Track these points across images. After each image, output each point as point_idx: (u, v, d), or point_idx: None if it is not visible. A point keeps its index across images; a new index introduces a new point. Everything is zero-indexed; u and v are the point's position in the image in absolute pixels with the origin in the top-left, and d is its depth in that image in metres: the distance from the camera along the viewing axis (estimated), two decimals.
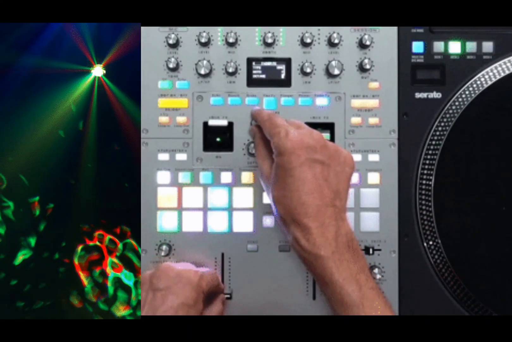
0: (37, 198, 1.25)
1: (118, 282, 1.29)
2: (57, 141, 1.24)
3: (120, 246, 1.28)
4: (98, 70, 1.25)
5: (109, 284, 1.28)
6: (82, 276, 1.28)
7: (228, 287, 0.70)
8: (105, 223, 1.29)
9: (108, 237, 1.29)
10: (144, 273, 0.66)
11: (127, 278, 1.29)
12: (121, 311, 1.27)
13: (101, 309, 1.28)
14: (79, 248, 1.29)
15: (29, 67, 1.18)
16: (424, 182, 0.70)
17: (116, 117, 1.24)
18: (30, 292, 1.24)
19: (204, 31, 0.70)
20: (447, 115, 0.70)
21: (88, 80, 1.24)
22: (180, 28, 0.70)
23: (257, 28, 0.70)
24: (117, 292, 1.28)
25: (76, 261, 1.28)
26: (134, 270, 1.28)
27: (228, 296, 0.69)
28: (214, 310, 0.66)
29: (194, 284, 0.62)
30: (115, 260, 1.29)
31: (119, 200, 1.25)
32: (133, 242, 1.28)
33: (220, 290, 0.68)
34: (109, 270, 1.29)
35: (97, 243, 1.29)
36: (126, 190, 1.24)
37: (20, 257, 1.24)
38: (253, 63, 0.71)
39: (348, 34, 0.70)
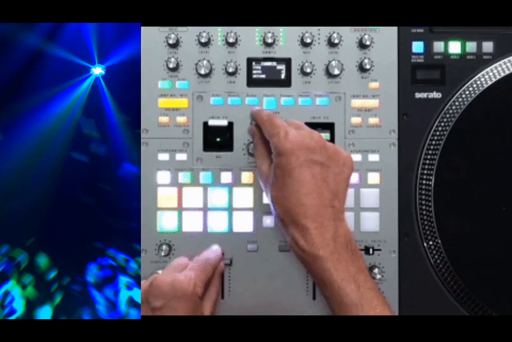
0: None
1: (130, 301, 1.25)
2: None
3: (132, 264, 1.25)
4: (98, 70, 1.25)
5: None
6: (96, 294, 1.24)
7: (228, 287, 0.70)
8: (118, 242, 1.25)
9: (121, 255, 1.25)
10: (142, 286, 0.63)
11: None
12: None
13: None
14: (92, 266, 1.25)
15: (32, 48, 1.16)
16: (424, 182, 0.70)
17: (113, 116, 1.24)
18: None
19: (204, 31, 0.70)
20: (447, 115, 0.70)
21: (87, 80, 1.23)
22: (180, 28, 0.70)
23: (257, 28, 0.70)
24: (128, 310, 1.25)
25: (88, 280, 1.23)
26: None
27: (228, 262, 0.69)
28: (212, 290, 0.66)
29: (189, 294, 0.60)
30: (128, 279, 1.25)
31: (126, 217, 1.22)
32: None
33: (218, 265, 0.67)
34: (122, 289, 1.25)
35: (110, 262, 1.25)
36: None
37: None
38: (253, 63, 0.71)
39: (348, 34, 0.70)
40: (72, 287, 1.24)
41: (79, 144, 1.26)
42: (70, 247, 1.23)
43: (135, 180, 1.21)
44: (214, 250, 0.69)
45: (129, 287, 1.26)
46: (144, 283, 0.64)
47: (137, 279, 1.26)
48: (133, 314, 1.25)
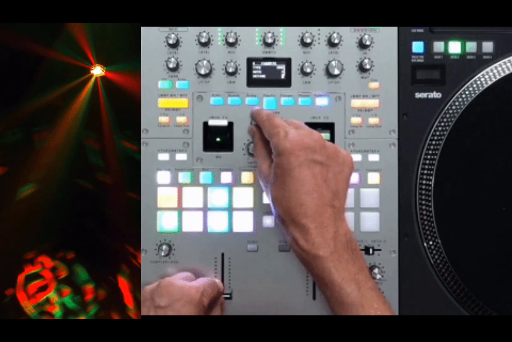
0: None
1: (64, 307, 1.25)
2: None
3: (65, 269, 1.24)
4: (98, 70, 1.24)
5: (56, 310, 1.24)
6: (27, 305, 1.24)
7: (228, 287, 0.70)
8: (48, 248, 1.25)
9: (51, 262, 1.25)
10: (144, 288, 0.65)
11: (74, 301, 1.25)
12: None
13: None
14: (22, 276, 1.24)
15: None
16: (424, 182, 0.70)
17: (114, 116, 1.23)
18: None
19: (204, 31, 0.70)
20: (447, 115, 0.70)
21: (87, 80, 1.23)
22: (180, 28, 0.70)
23: (257, 28, 0.70)
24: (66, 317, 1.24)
25: (19, 291, 1.23)
26: (81, 293, 1.24)
27: (227, 296, 0.69)
28: (213, 314, 0.66)
29: (196, 301, 0.61)
30: (60, 286, 1.25)
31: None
32: (79, 267, 1.23)
33: (220, 295, 0.68)
34: (55, 296, 1.25)
35: (40, 269, 1.25)
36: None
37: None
38: (253, 63, 0.71)
39: (348, 34, 0.70)
40: None
41: None
42: None
43: None
44: (217, 280, 0.69)
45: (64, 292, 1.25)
46: (149, 285, 0.64)
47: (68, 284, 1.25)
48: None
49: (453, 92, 0.71)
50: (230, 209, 0.70)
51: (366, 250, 0.70)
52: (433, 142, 0.70)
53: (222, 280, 0.70)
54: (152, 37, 0.70)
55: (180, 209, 0.70)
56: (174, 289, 0.62)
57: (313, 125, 0.67)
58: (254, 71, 0.71)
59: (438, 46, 0.71)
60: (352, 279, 0.56)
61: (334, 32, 0.70)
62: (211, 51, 0.71)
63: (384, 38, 0.71)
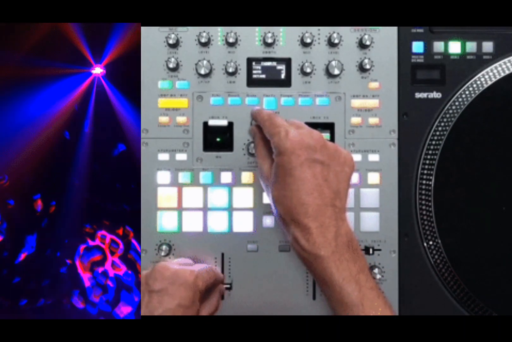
0: (39, 196, 1.25)
1: (119, 282, 1.28)
2: (60, 142, 1.24)
3: (122, 246, 1.28)
4: (98, 70, 1.24)
5: (111, 284, 1.28)
6: (84, 276, 1.28)
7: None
8: (108, 224, 1.28)
9: (110, 237, 1.28)
10: (142, 273, 0.65)
11: (129, 278, 1.29)
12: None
13: (103, 310, 1.28)
14: (81, 248, 1.28)
15: (26, 67, 1.17)
16: (424, 182, 0.70)
17: (115, 117, 1.24)
18: (33, 290, 1.24)
19: (204, 31, 0.70)
20: (447, 115, 0.70)
21: (87, 80, 1.23)
22: (180, 28, 0.70)
23: (257, 28, 0.70)
24: (119, 292, 1.28)
25: (78, 262, 1.27)
26: (136, 270, 1.28)
27: (228, 286, 0.69)
28: (212, 303, 0.66)
29: (190, 284, 0.61)
30: (117, 261, 1.29)
31: (121, 200, 1.24)
32: (136, 243, 1.27)
33: (218, 282, 0.68)
34: (111, 271, 1.28)
35: (99, 244, 1.29)
36: (128, 190, 1.23)
37: (23, 255, 1.25)
38: (253, 63, 0.71)
39: (348, 34, 0.70)
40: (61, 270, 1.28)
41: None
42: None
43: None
44: (217, 268, 0.69)
45: (117, 269, 1.29)
46: (146, 270, 0.65)
47: (124, 260, 1.29)
48: (123, 296, 1.28)
49: (453, 92, 0.71)
50: (230, 209, 0.70)
51: (366, 250, 0.70)
52: (433, 142, 0.70)
53: (222, 281, 0.70)
54: (152, 37, 0.70)
55: (180, 209, 0.70)
56: (168, 272, 0.62)
57: (313, 125, 0.67)
58: (254, 71, 0.71)
59: (438, 46, 0.71)
60: (353, 279, 0.56)
61: (334, 32, 0.70)
62: (211, 51, 0.71)
63: (384, 38, 0.71)
